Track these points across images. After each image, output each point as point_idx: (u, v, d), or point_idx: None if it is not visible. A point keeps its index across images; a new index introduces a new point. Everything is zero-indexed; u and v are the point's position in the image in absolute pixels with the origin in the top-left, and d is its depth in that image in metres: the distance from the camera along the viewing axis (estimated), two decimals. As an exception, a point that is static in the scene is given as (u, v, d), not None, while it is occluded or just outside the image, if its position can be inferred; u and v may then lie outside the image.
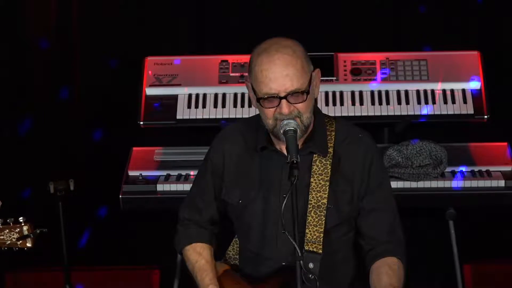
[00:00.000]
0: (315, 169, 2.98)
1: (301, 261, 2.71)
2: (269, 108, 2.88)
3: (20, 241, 3.12)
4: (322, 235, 2.92)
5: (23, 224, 3.12)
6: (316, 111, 3.07)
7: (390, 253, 2.99)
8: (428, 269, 4.98)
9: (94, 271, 4.76)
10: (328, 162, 2.97)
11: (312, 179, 2.97)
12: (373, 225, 3.02)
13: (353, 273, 3.10)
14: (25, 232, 3.12)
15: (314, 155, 3.01)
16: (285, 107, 2.88)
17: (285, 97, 2.86)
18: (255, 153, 3.01)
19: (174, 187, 4.40)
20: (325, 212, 2.94)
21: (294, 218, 2.74)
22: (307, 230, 2.93)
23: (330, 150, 2.99)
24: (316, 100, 3.06)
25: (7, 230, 3.12)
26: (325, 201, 2.94)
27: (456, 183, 4.35)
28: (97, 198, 5.01)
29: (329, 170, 2.96)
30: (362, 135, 3.12)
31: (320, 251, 2.91)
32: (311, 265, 2.88)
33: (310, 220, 2.93)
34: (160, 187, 4.40)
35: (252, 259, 3.03)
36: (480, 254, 4.91)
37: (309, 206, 2.94)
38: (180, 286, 4.57)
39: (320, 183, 2.94)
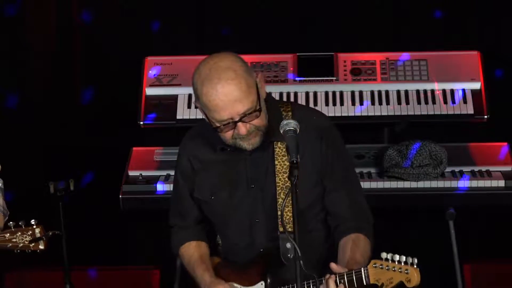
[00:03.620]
0: (278, 151, 3.03)
1: (301, 261, 2.73)
2: (227, 131, 2.93)
3: (33, 244, 3.12)
4: (290, 214, 2.95)
5: (35, 227, 3.12)
6: (268, 101, 3.09)
7: (355, 230, 3.04)
8: (428, 269, 4.98)
9: (94, 271, 4.75)
10: None
11: (276, 162, 3.03)
12: (336, 202, 3.08)
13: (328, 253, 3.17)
14: (38, 235, 3.12)
15: (275, 142, 3.04)
16: (242, 128, 2.93)
17: (239, 120, 2.89)
18: (215, 151, 3.08)
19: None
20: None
21: (294, 217, 2.76)
22: (279, 212, 2.96)
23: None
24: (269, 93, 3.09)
25: (19, 233, 3.12)
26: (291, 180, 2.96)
27: (456, 183, 4.35)
28: (97, 198, 5.01)
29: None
30: (316, 117, 3.18)
31: (292, 229, 2.93)
32: (288, 245, 2.96)
33: (281, 202, 2.97)
34: (160, 187, 4.40)
35: (233, 249, 3.14)
36: (480, 254, 4.91)
37: (277, 188, 2.98)
38: (180, 286, 4.57)
39: (284, 165, 3.01)
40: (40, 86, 5.29)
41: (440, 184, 4.37)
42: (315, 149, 3.08)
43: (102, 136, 5.19)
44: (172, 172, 4.48)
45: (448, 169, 4.43)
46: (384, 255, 2.76)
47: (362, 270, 2.79)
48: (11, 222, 3.15)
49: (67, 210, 4.25)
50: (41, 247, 3.12)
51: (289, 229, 2.94)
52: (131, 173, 4.49)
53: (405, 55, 4.78)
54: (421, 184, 4.37)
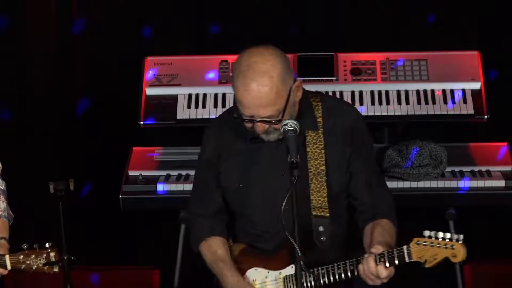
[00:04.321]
0: (309, 139, 3.09)
1: (302, 261, 2.75)
2: (247, 123, 3.02)
3: (47, 267, 3.12)
4: (326, 199, 3.02)
5: (49, 250, 3.12)
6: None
7: (381, 216, 3.13)
8: (428, 269, 4.97)
9: (94, 271, 4.75)
10: (319, 132, 3.09)
11: (308, 149, 3.10)
12: (362, 188, 3.16)
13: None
14: (52, 259, 3.12)
15: (306, 131, 3.10)
16: (260, 128, 3.01)
17: (259, 120, 2.98)
18: (245, 140, 3.11)
19: (174, 187, 4.39)
20: (325, 178, 3.07)
21: (294, 217, 2.76)
22: (312, 197, 3.04)
23: (320, 121, 3.08)
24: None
25: (33, 256, 3.12)
26: (323, 167, 3.08)
27: (456, 183, 4.35)
28: (97, 198, 5.01)
29: (322, 139, 3.08)
30: (345, 106, 3.26)
31: (327, 215, 3.03)
32: (321, 229, 3.02)
33: (313, 187, 3.03)
34: (160, 187, 4.40)
35: (260, 236, 3.14)
36: (480, 254, 4.91)
37: (309, 174, 3.01)
38: (180, 286, 4.57)
39: (316, 152, 3.07)
40: (40, 85, 5.29)
41: (440, 184, 4.37)
42: (346, 137, 3.14)
43: (102, 136, 5.19)
44: (172, 172, 4.49)
45: (448, 169, 4.43)
46: (427, 233, 2.85)
47: (405, 248, 2.85)
48: (24, 245, 3.14)
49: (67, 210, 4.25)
50: (55, 270, 3.13)
51: (322, 214, 3.01)
52: (131, 173, 4.49)
53: (405, 55, 4.78)
54: (421, 184, 4.37)
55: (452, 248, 2.83)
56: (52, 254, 3.10)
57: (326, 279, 2.96)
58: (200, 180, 3.26)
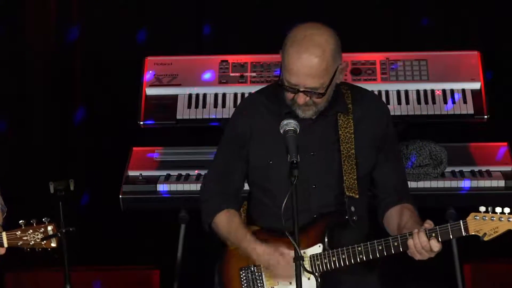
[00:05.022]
0: (341, 123, 3.17)
1: (302, 261, 2.75)
2: (288, 93, 3.06)
3: (45, 241, 3.10)
4: (356, 182, 3.13)
5: (47, 224, 3.11)
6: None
7: (406, 201, 3.24)
8: (428, 269, 4.98)
9: (94, 271, 4.75)
10: (350, 117, 3.18)
11: (340, 132, 3.17)
12: (390, 174, 3.26)
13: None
14: (50, 232, 3.10)
15: (338, 114, 3.19)
16: (301, 98, 3.06)
17: (302, 91, 3.02)
18: (278, 117, 3.08)
19: (174, 187, 4.39)
20: (355, 161, 3.16)
21: (295, 217, 2.76)
22: (344, 178, 3.10)
23: (350, 107, 3.20)
24: None
25: (31, 231, 3.10)
26: (353, 151, 3.16)
27: (456, 183, 4.34)
28: (97, 198, 5.01)
29: (352, 125, 3.17)
30: (375, 96, 3.46)
31: (357, 196, 3.12)
32: (352, 209, 3.09)
33: (346, 168, 3.09)
34: (160, 187, 4.40)
35: (281, 216, 2.98)
36: (480, 254, 4.91)
37: (342, 156, 3.05)
38: (180, 286, 4.57)
39: (347, 136, 3.16)
40: (40, 85, 5.29)
41: (440, 184, 4.37)
42: (379, 124, 3.25)
43: (102, 136, 5.19)
44: (172, 172, 4.49)
45: (448, 169, 4.43)
46: (483, 208, 2.98)
47: (461, 223, 2.96)
48: (21, 221, 3.13)
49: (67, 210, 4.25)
50: (53, 244, 3.11)
51: (352, 194, 3.10)
52: (131, 173, 4.49)
53: (405, 55, 4.78)
54: (421, 184, 4.37)
55: None
56: (49, 228, 3.09)
57: (364, 256, 3.01)
58: (224, 157, 3.24)
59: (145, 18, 5.24)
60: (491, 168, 4.42)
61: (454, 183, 4.35)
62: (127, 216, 4.59)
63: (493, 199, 4.33)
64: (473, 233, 2.93)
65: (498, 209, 2.93)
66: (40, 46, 5.27)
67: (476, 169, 4.43)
